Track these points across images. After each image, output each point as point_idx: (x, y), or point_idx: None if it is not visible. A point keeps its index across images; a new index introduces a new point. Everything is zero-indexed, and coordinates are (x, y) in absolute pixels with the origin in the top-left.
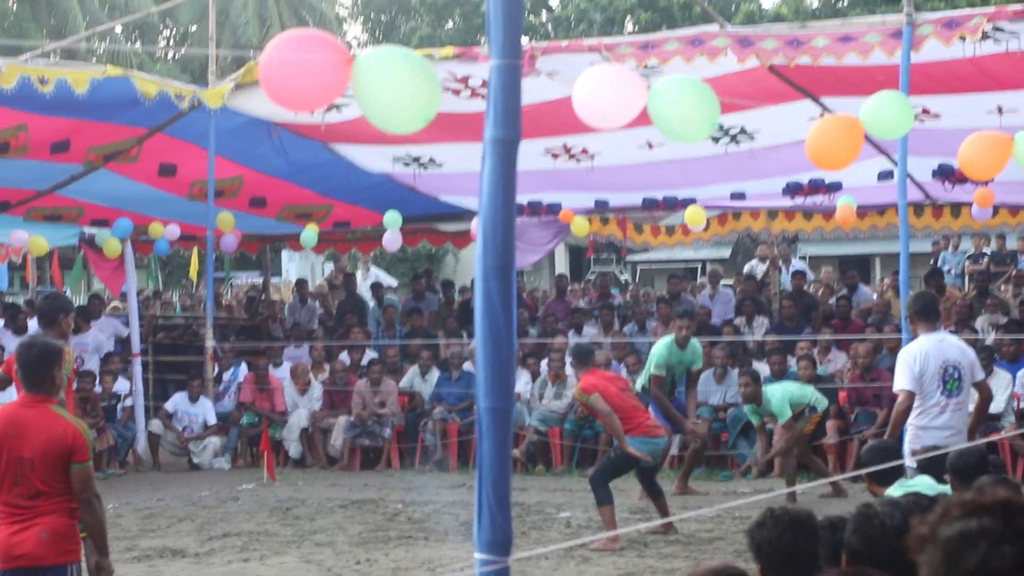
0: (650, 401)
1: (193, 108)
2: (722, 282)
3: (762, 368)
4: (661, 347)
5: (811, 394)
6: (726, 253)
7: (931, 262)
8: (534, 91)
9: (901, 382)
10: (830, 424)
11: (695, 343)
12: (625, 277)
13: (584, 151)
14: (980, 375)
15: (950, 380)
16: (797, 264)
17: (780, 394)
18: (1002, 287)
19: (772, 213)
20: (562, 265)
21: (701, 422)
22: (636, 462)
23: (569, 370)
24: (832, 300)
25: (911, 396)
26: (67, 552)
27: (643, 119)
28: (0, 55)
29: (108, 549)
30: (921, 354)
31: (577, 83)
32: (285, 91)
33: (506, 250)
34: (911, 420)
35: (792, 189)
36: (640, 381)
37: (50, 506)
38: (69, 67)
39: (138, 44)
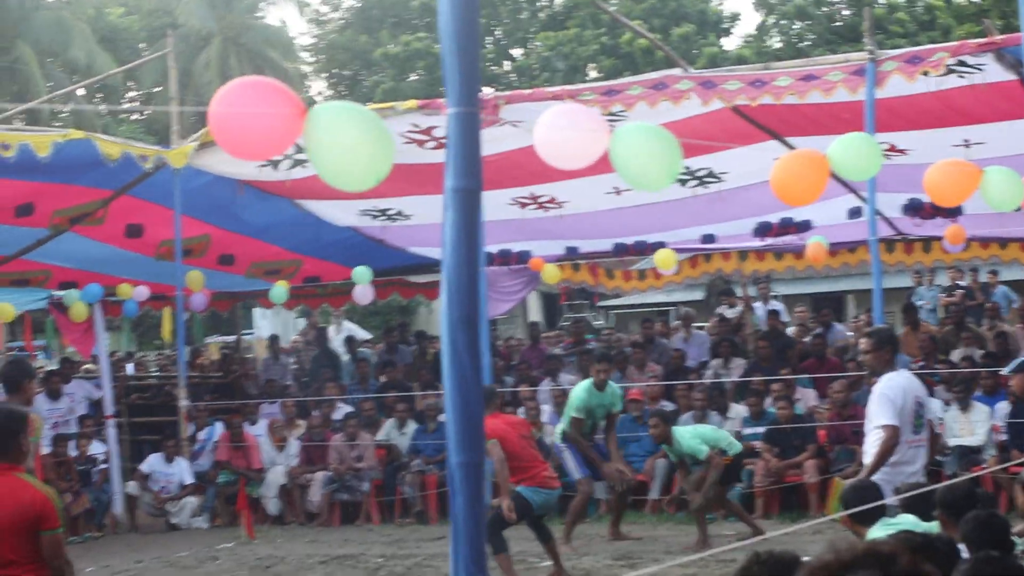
0: (568, 447)
1: (158, 168)
2: (694, 324)
3: (740, 409)
4: (580, 390)
5: (724, 437)
6: (699, 295)
7: (908, 297)
8: (499, 140)
9: (886, 417)
10: (809, 463)
11: (613, 385)
12: (600, 323)
13: (552, 200)
14: (931, 414)
15: (918, 417)
16: (773, 304)
17: (691, 434)
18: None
19: (743, 254)
20: (535, 313)
21: (624, 466)
22: (529, 510)
23: (545, 418)
24: (807, 339)
25: (897, 431)
26: None
27: (607, 166)
28: None
29: None
30: (900, 390)
31: (539, 122)
32: (234, 141)
33: (471, 301)
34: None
35: (762, 229)
36: (560, 426)
37: (21, 574)
38: (31, 132)
39: (102, 107)
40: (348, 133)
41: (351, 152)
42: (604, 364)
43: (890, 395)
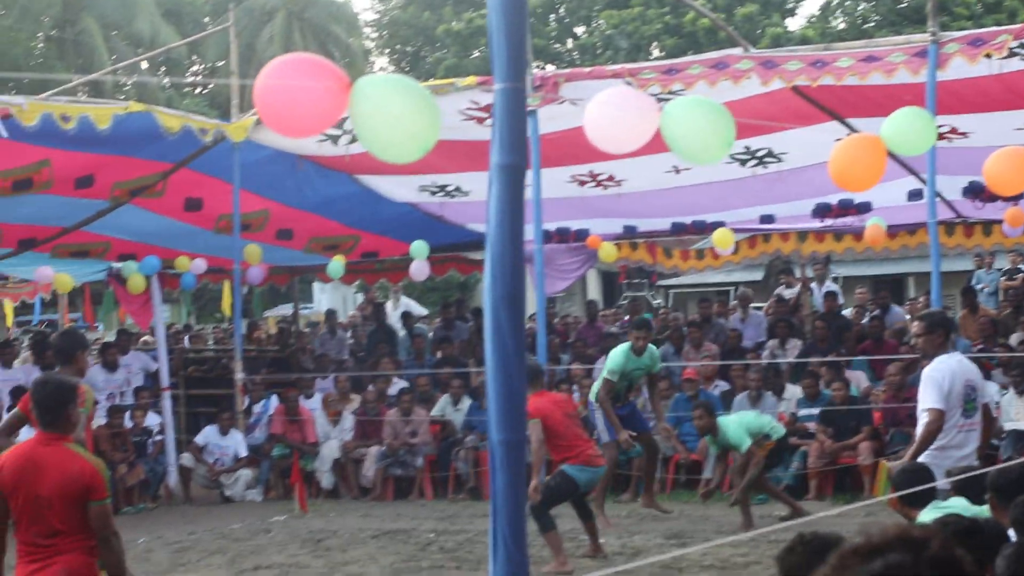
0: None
1: (217, 142)
2: (752, 305)
3: (796, 391)
4: (618, 353)
5: (768, 423)
6: (758, 276)
7: (967, 280)
8: (558, 118)
9: (931, 401)
10: (864, 445)
11: (652, 348)
12: (658, 302)
13: (610, 178)
14: (987, 397)
15: (969, 401)
16: (829, 285)
17: (736, 424)
18: None
19: (802, 235)
20: (594, 291)
21: (666, 428)
22: (575, 488)
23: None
24: (865, 320)
25: (942, 415)
26: None
27: (665, 145)
28: (28, 91)
29: None
30: (948, 373)
31: (588, 108)
32: (280, 117)
33: (515, 278)
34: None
35: (821, 210)
36: (594, 388)
37: (68, 545)
38: (91, 104)
39: (165, 79)
40: (393, 105)
41: (397, 124)
42: (643, 331)
43: (937, 378)
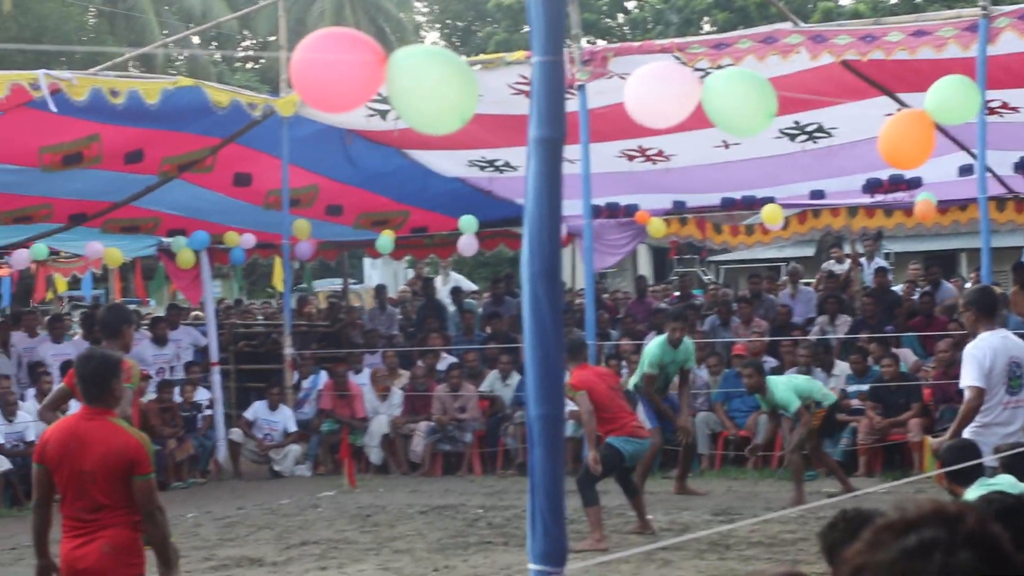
0: (641, 399)
1: (266, 117)
2: (803, 281)
3: (845, 367)
4: (654, 346)
5: (818, 389)
6: (810, 251)
7: (1020, 256)
8: (607, 93)
9: (971, 378)
10: (913, 422)
11: (688, 342)
12: (708, 277)
13: (660, 153)
14: None
15: (1014, 378)
16: (880, 261)
17: (785, 385)
18: None
19: (852, 210)
20: (645, 266)
21: (688, 423)
22: (621, 460)
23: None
24: (915, 296)
25: (982, 393)
26: (130, 566)
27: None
28: (79, 66)
29: (172, 562)
30: (990, 350)
31: (629, 82)
32: (316, 91)
33: (553, 253)
34: (980, 419)
35: (872, 186)
36: (633, 380)
37: (112, 519)
38: (140, 79)
39: (216, 53)
40: (430, 77)
41: (434, 96)
42: (679, 323)
43: (977, 356)
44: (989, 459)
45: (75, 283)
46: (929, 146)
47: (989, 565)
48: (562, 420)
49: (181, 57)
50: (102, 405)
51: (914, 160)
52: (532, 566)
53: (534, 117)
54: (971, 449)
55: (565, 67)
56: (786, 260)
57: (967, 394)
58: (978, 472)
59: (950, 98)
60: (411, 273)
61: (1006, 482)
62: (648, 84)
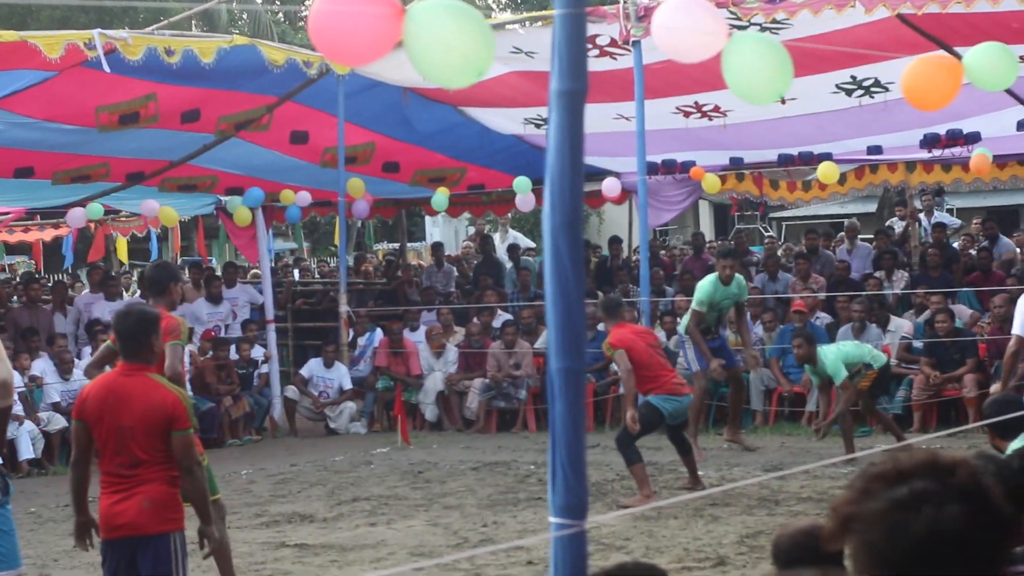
0: (684, 343)
1: (322, 75)
2: (860, 236)
3: (901, 323)
4: (706, 283)
5: (867, 352)
6: (872, 207)
7: None
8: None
9: (1015, 327)
10: (968, 377)
11: (740, 278)
12: (769, 234)
13: (716, 108)
14: None
15: None
16: (939, 216)
17: (834, 355)
18: None
19: (910, 166)
20: (706, 223)
21: (753, 355)
22: (661, 419)
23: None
24: (973, 251)
25: (1021, 341)
26: (169, 521)
27: None
28: (143, 25)
29: (211, 517)
30: None
31: (658, 12)
32: (334, 44)
33: (574, 206)
34: None
35: (929, 141)
36: (682, 322)
37: (151, 475)
38: (196, 38)
39: (279, 14)
40: (446, 31)
41: (450, 49)
42: (729, 260)
43: (1021, 306)
44: None
45: (138, 242)
46: (952, 93)
47: (978, 519)
48: (584, 373)
49: (243, 17)
50: (140, 361)
51: (933, 103)
52: (553, 519)
53: (555, 70)
54: (1015, 403)
55: (620, 23)
56: (848, 216)
57: (1010, 342)
58: (1023, 426)
59: (987, 65)
60: (472, 231)
61: None
62: (676, 17)
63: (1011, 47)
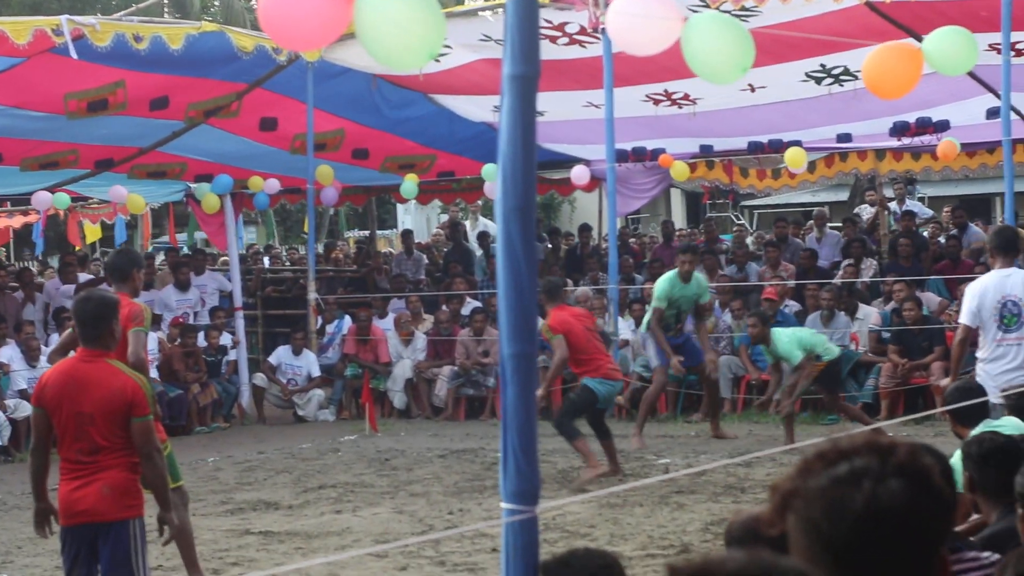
0: (650, 337)
1: (291, 62)
2: (830, 225)
3: (869, 311)
4: (663, 281)
5: (822, 343)
6: (844, 196)
7: None
8: None
9: (960, 316)
10: (936, 365)
11: (700, 276)
12: (741, 222)
13: (685, 96)
14: None
15: (1008, 315)
16: (910, 204)
17: (789, 337)
18: None
19: (880, 154)
20: (678, 211)
21: (712, 360)
22: (595, 401)
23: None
24: (942, 239)
25: (967, 330)
26: (129, 507)
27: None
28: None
29: (170, 503)
30: (980, 289)
31: (611, 7)
32: (284, 28)
33: (526, 190)
34: (979, 355)
35: (899, 129)
36: (644, 319)
37: (111, 461)
38: (164, 24)
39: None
40: (396, 13)
41: (401, 32)
42: (688, 255)
43: (968, 294)
44: (994, 398)
45: (108, 229)
46: (913, 81)
47: (917, 495)
48: (535, 358)
49: (216, 4)
50: (100, 347)
51: (894, 92)
52: (505, 505)
53: (508, 54)
54: (975, 390)
55: (589, 11)
56: (820, 204)
57: (957, 331)
58: (983, 413)
59: (948, 49)
60: (444, 219)
61: (1010, 423)
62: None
63: (977, 35)
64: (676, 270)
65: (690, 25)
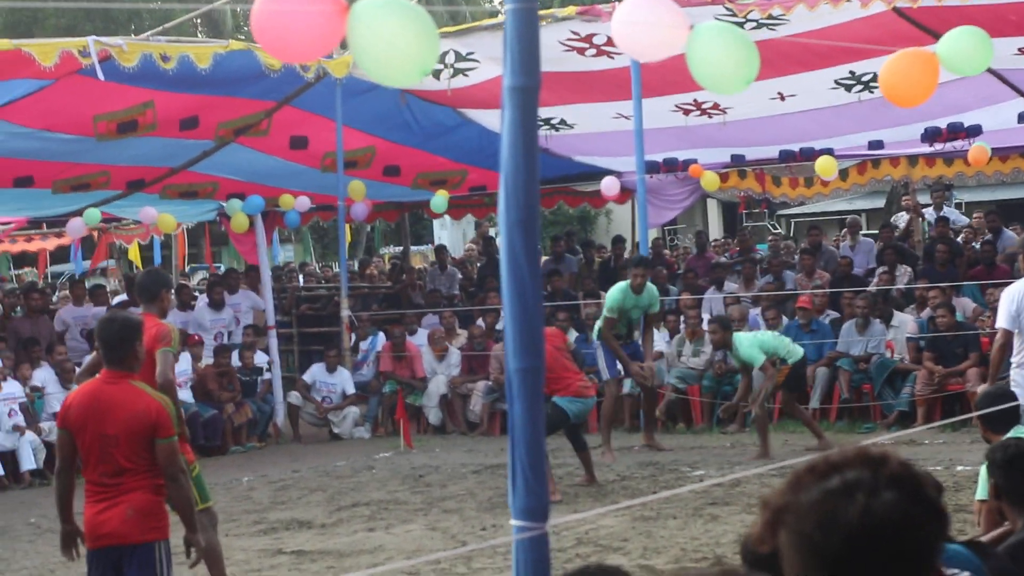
0: (601, 346)
1: (319, 79)
2: (867, 232)
3: (905, 318)
4: (615, 291)
5: (784, 345)
6: (880, 203)
7: None
8: None
9: (998, 321)
10: (971, 372)
11: (651, 287)
12: (778, 231)
13: (715, 106)
14: None
15: None
16: (948, 211)
17: (749, 341)
18: None
19: (912, 160)
20: (714, 221)
21: (649, 367)
22: (566, 419)
23: (707, 326)
24: (976, 245)
25: (1007, 334)
26: (154, 529)
27: (770, 71)
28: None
29: (196, 525)
30: (1017, 293)
31: (616, 13)
32: (278, 41)
33: (529, 203)
34: (1013, 360)
35: (930, 135)
36: (596, 327)
37: (135, 483)
38: (191, 43)
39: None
40: (390, 28)
41: (395, 47)
42: (640, 268)
43: (1005, 299)
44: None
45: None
46: (931, 88)
47: (911, 506)
48: (542, 371)
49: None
50: (124, 368)
51: (912, 99)
52: (515, 522)
53: (508, 65)
54: (1007, 396)
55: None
56: (857, 212)
57: (997, 336)
58: (1015, 419)
59: (962, 50)
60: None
61: None
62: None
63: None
64: (628, 281)
65: (694, 35)
